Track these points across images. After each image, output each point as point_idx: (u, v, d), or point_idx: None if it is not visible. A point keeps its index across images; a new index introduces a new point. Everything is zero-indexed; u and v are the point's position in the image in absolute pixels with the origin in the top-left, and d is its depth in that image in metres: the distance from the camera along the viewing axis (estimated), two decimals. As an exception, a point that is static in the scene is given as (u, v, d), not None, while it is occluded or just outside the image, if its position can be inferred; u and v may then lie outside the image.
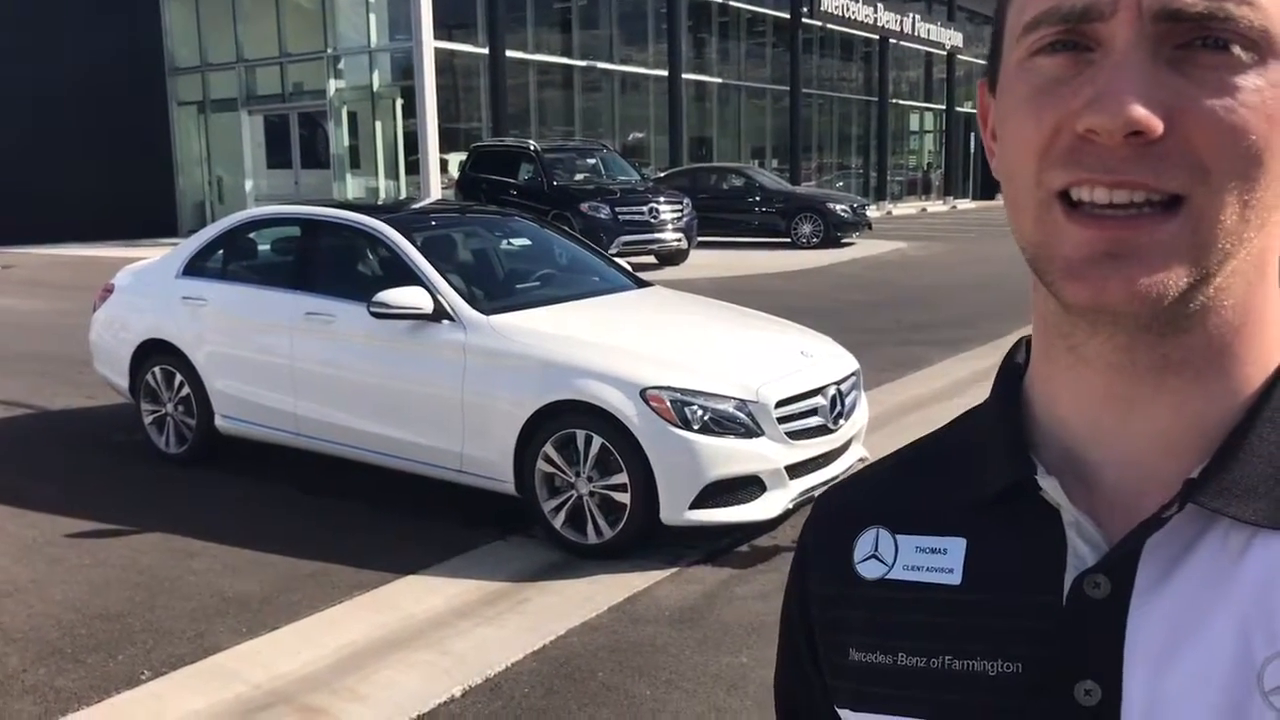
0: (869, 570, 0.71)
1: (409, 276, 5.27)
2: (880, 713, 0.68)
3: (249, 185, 22.95)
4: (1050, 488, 0.63)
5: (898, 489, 0.74)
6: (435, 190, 19.97)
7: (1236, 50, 0.54)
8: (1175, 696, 0.58)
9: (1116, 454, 0.64)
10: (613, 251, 14.64)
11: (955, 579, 0.67)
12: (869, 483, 0.78)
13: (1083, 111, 0.55)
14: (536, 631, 3.97)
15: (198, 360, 5.95)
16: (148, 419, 6.26)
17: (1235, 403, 0.61)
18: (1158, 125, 0.53)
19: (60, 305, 12.40)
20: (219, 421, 5.95)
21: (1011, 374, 0.72)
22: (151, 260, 6.69)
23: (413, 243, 5.44)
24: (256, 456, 6.05)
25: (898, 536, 0.71)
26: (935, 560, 0.69)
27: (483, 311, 5.12)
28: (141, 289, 6.43)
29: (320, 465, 5.73)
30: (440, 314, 5.09)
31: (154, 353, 6.17)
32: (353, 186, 21.86)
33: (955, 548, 0.68)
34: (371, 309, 5.07)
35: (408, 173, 21.55)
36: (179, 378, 6.06)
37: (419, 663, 3.76)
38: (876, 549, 0.72)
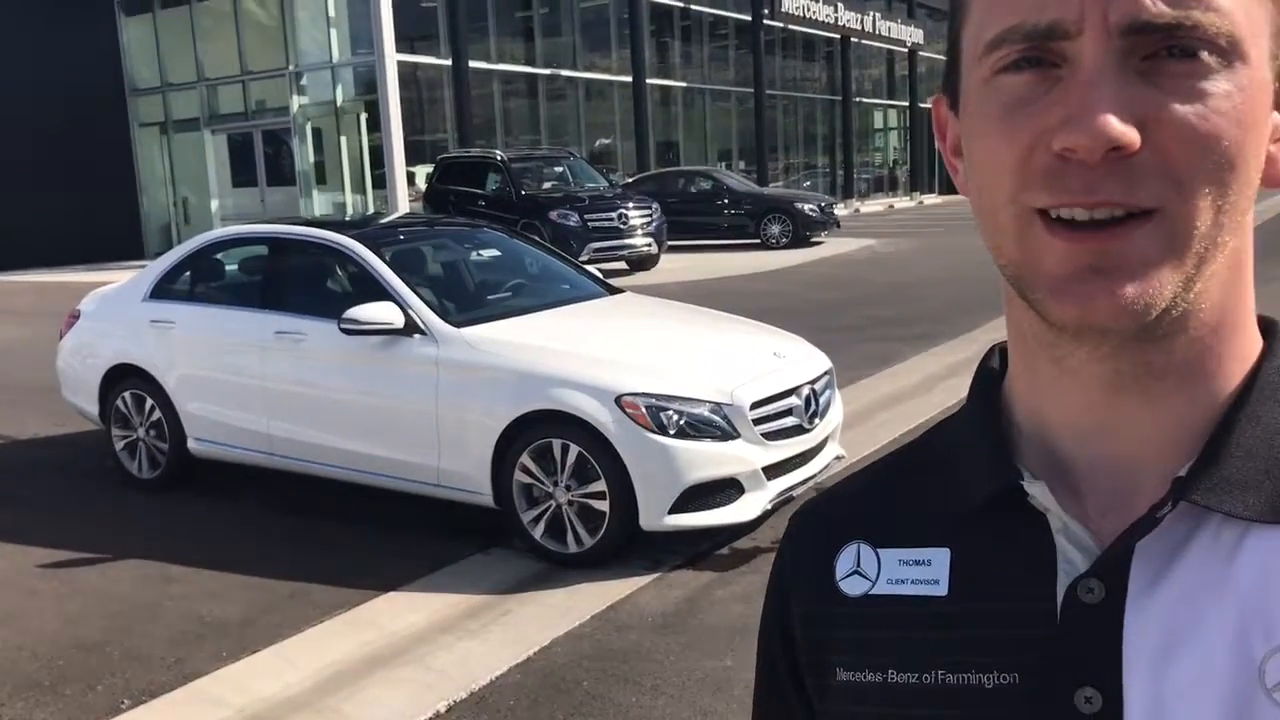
0: (852, 587, 0.70)
1: (379, 292, 5.25)
2: None
3: (215, 205, 22.77)
4: (1038, 492, 0.63)
5: (876, 501, 0.73)
6: (403, 203, 19.90)
7: (1205, 56, 0.54)
8: (1177, 698, 0.57)
9: (1103, 458, 0.63)
10: (583, 259, 14.64)
11: (942, 590, 0.66)
12: (846, 497, 0.77)
13: (1058, 131, 0.54)
14: (520, 643, 3.96)
15: (168, 383, 5.90)
16: (119, 444, 6.20)
17: (1217, 401, 0.61)
18: (1135, 139, 0.53)
19: (24, 332, 12.25)
20: (192, 444, 5.90)
21: (988, 381, 0.71)
22: (118, 284, 6.63)
23: (381, 258, 5.42)
24: (232, 478, 6.00)
25: (879, 550, 0.70)
26: (920, 572, 0.67)
27: (454, 324, 5.10)
28: (108, 314, 6.37)
29: (297, 485, 5.69)
30: (411, 328, 5.07)
31: (123, 377, 6.11)
32: (319, 203, 21.75)
33: (939, 558, 0.67)
34: (342, 326, 5.05)
35: (374, 187, 21.46)
36: (149, 402, 6.00)
37: (402, 680, 3.74)
38: (859, 565, 0.70)
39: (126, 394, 6.10)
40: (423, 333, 5.07)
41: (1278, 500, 0.59)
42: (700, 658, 3.79)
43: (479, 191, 16.71)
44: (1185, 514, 0.59)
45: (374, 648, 4.00)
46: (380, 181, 21.11)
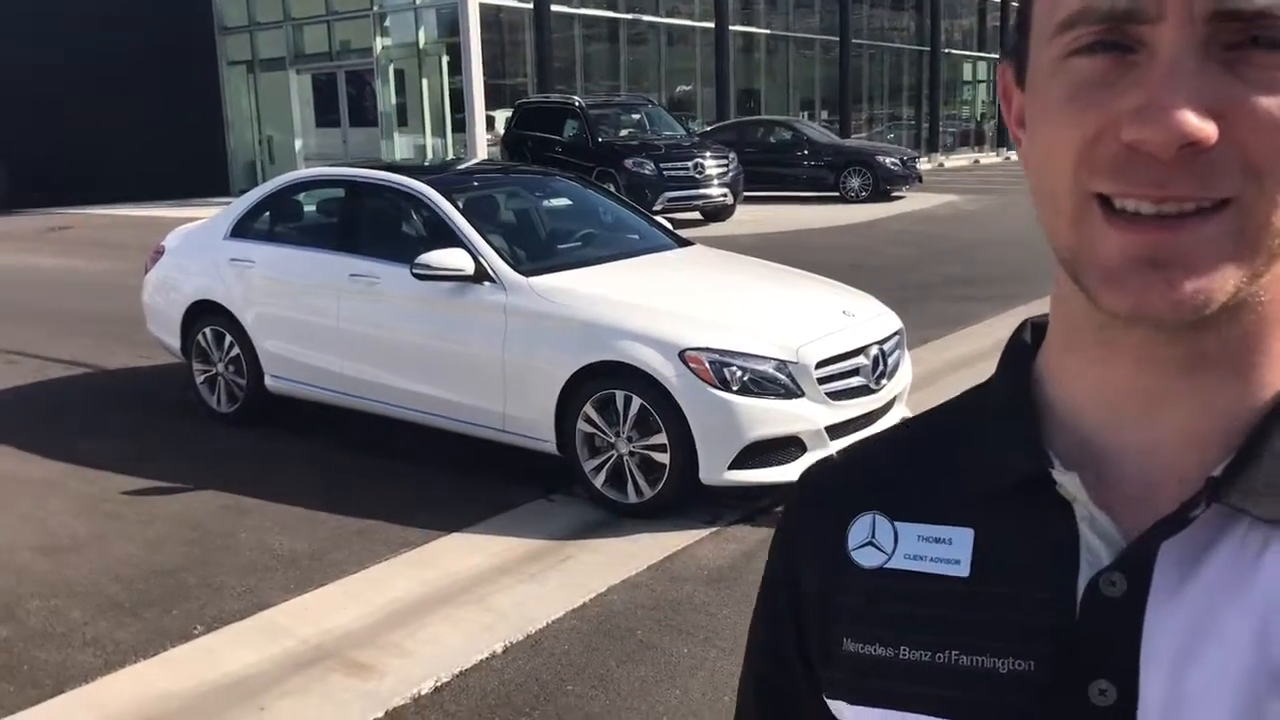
0: (865, 558, 0.69)
1: (450, 238, 5.31)
2: (879, 706, 0.66)
3: (298, 145, 23.14)
4: (1068, 482, 0.62)
5: (895, 471, 0.72)
6: (481, 148, 19.99)
7: None
8: (1193, 698, 0.57)
9: (1136, 445, 0.62)
10: (657, 208, 14.60)
11: (963, 571, 0.65)
12: (862, 463, 0.75)
13: (1130, 121, 0.52)
14: (577, 589, 4.03)
15: (246, 321, 6.06)
16: (200, 378, 6.40)
17: (1262, 400, 0.60)
18: (1212, 135, 0.50)
19: (116, 265, 12.66)
20: (268, 381, 6.06)
21: (1020, 357, 0.69)
22: (200, 222, 6.80)
23: (454, 204, 5.47)
24: (306, 415, 6.16)
25: (897, 524, 0.68)
26: (940, 550, 0.66)
27: (523, 273, 5.14)
28: (191, 251, 6.54)
29: (367, 425, 5.83)
30: (481, 275, 5.12)
31: (204, 314, 6.29)
32: (400, 145, 21.95)
33: (962, 538, 0.66)
34: (414, 271, 5.12)
35: (454, 130, 21.58)
36: (229, 338, 6.18)
37: (462, 619, 3.84)
38: (874, 536, 0.69)
39: (207, 330, 6.28)
40: (492, 280, 5.11)
41: None
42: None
43: (556, 138, 16.69)
44: (1215, 513, 0.58)
45: (435, 586, 4.10)
46: (460, 125, 21.20)
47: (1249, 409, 0.60)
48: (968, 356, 7.64)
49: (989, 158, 34.58)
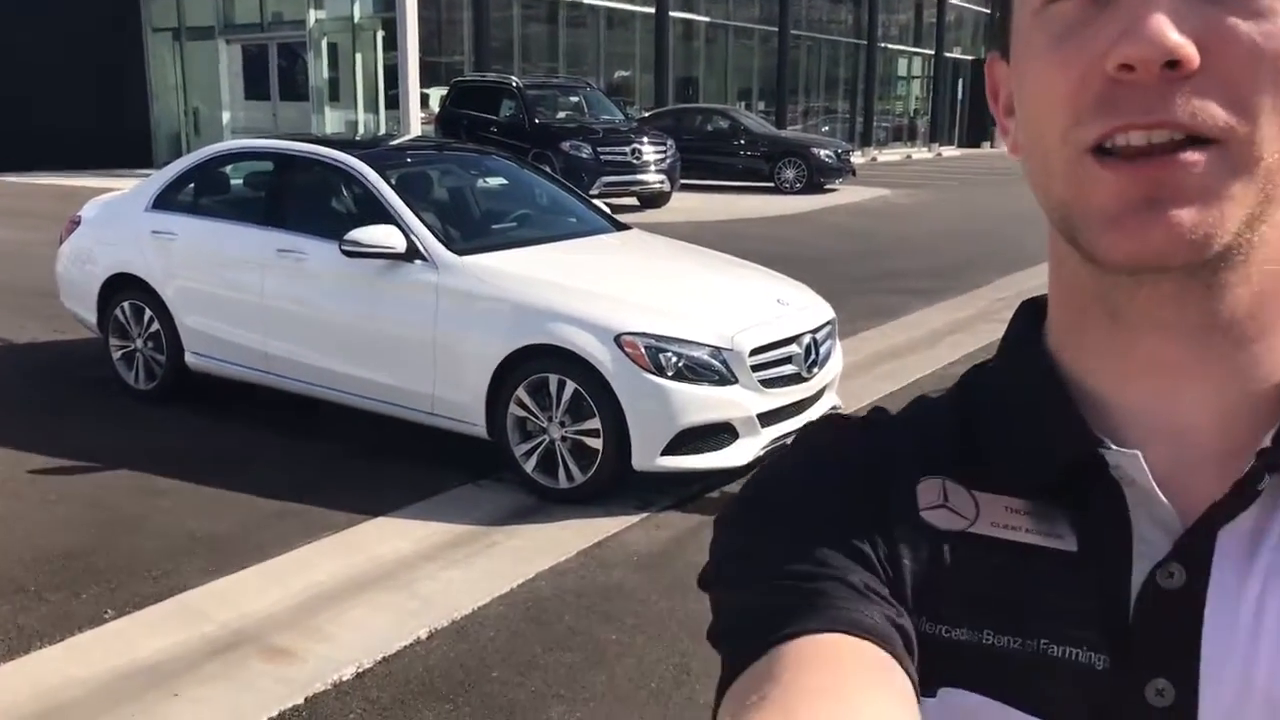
0: (942, 520, 0.60)
1: (382, 214, 5.19)
2: (950, 686, 0.59)
3: (226, 117, 22.55)
4: (1127, 464, 0.57)
5: (942, 445, 0.64)
6: (415, 125, 19.67)
7: None
8: (1255, 694, 0.54)
9: (1165, 427, 0.58)
10: (594, 192, 14.50)
11: (1072, 545, 0.58)
12: (907, 427, 0.66)
13: (1113, 46, 0.50)
14: (504, 575, 3.98)
15: (167, 296, 5.87)
16: (116, 354, 6.18)
17: None
18: (1194, 54, 0.49)
19: (28, 235, 12.19)
20: (189, 358, 5.88)
21: (1027, 339, 0.65)
22: (120, 192, 6.56)
23: (386, 180, 5.34)
24: (228, 395, 5.99)
25: (975, 492, 0.61)
26: (1036, 523, 0.59)
27: (457, 252, 5.05)
28: (110, 222, 6.31)
29: (293, 405, 5.68)
30: (413, 253, 5.01)
31: (122, 287, 6.07)
32: (332, 120, 21.50)
33: (1056, 513, 0.59)
34: (344, 247, 5.00)
35: (388, 107, 21.19)
36: (148, 313, 5.97)
37: (386, 604, 3.76)
38: (945, 498, 0.61)
39: (125, 304, 6.07)
40: (424, 259, 5.01)
41: None
42: (683, 599, 3.79)
43: (492, 118, 16.50)
44: (1266, 492, 0.55)
45: (360, 571, 4.01)
46: (394, 102, 20.82)
47: (1273, 376, 0.57)
48: (898, 347, 7.72)
49: (921, 153, 35.06)
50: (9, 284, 9.33)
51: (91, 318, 6.28)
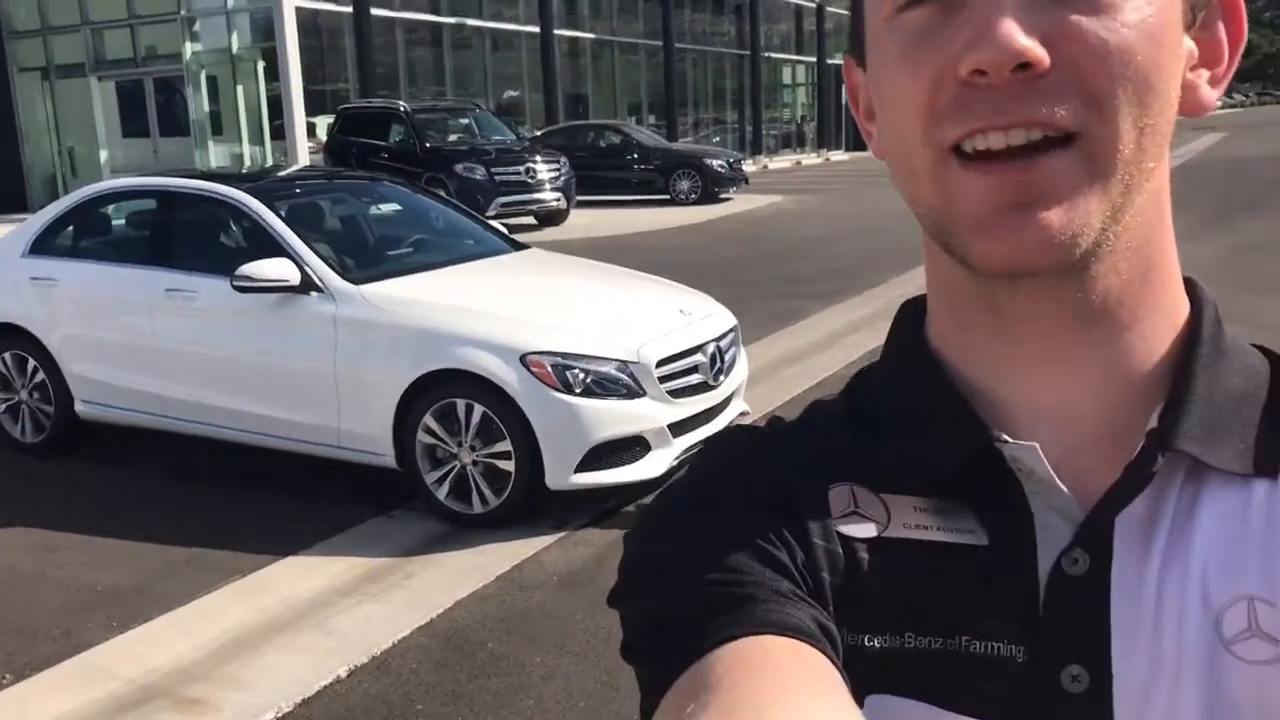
0: (855, 528, 0.59)
1: (273, 248, 5.08)
2: (879, 693, 0.58)
3: (104, 156, 21.80)
4: (1025, 456, 0.57)
5: (841, 453, 0.63)
6: (303, 156, 19.31)
7: None
8: (1162, 669, 0.55)
9: (1055, 417, 0.59)
10: (490, 214, 14.45)
11: (984, 539, 0.58)
12: (807, 435, 0.65)
13: (964, 52, 0.51)
14: (423, 606, 3.92)
15: (51, 344, 5.64)
16: (0, 408, 5.92)
17: (1155, 351, 0.59)
18: (1044, 55, 0.50)
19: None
20: (79, 407, 5.66)
21: (910, 339, 0.65)
22: (-6, 239, 6.29)
23: (275, 212, 5.24)
24: (123, 442, 5.79)
25: (883, 495, 0.60)
26: (947, 521, 0.59)
27: (353, 281, 4.97)
28: (-15, 270, 6.05)
29: (192, 448, 5.51)
30: (308, 285, 4.92)
31: (3, 337, 5.82)
32: (216, 154, 20.98)
33: (963, 509, 0.59)
34: (235, 283, 4.88)
35: (273, 138, 20.75)
36: (32, 363, 5.74)
37: (302, 645, 3.67)
38: (856, 504, 0.60)
39: (6, 355, 5.82)
40: (320, 290, 4.92)
41: (1238, 449, 0.58)
42: (606, 616, 3.79)
43: (382, 144, 16.31)
44: (1160, 471, 0.56)
45: (272, 613, 3.91)
46: (279, 133, 20.41)
47: (1145, 363, 0.59)
48: (800, 350, 7.86)
49: (810, 159, 35.76)
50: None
51: (-30, 371, 6.00)
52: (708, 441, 0.69)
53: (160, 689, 3.39)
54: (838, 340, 8.15)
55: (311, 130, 19.98)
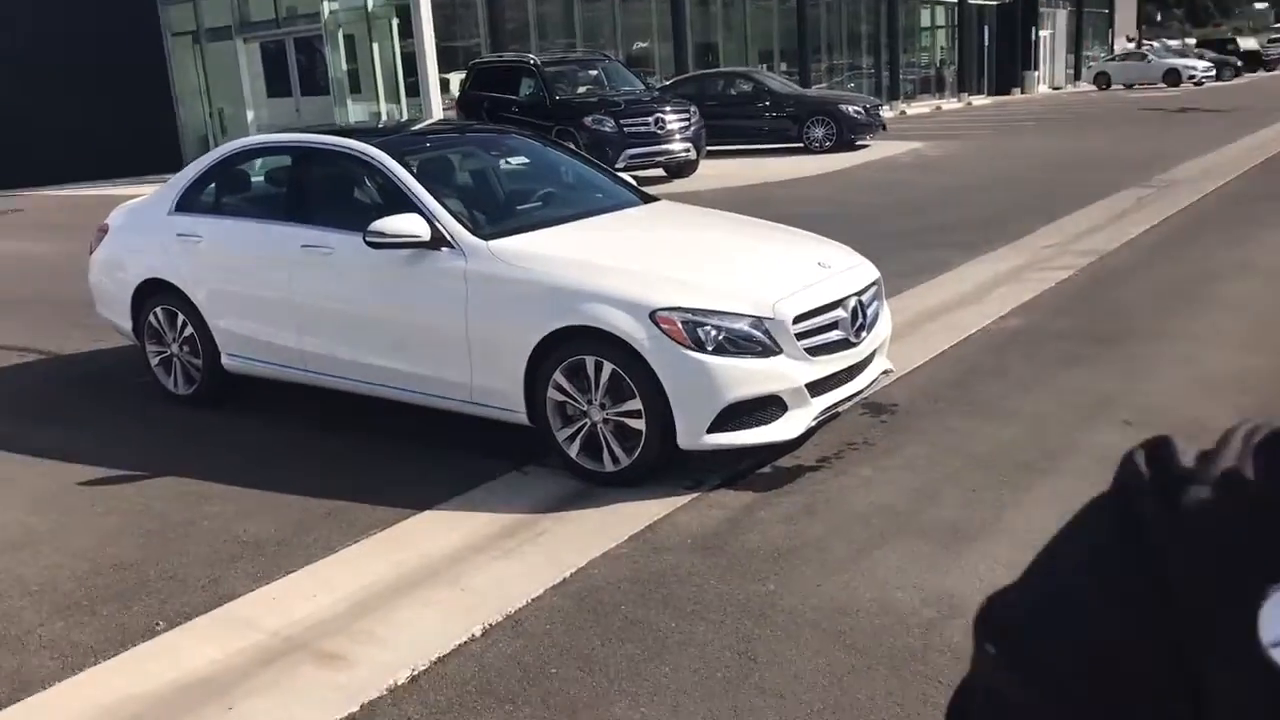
0: None
1: (405, 203, 5.07)
2: None
3: (250, 116, 22.56)
4: None
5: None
6: (437, 111, 19.56)
7: None
8: None
9: None
10: (619, 166, 14.35)
11: None
12: (1220, 521, 0.48)
13: None
14: (556, 565, 3.87)
15: (198, 299, 5.80)
16: (154, 360, 6.15)
17: None
18: None
19: (68, 247, 12.23)
20: (225, 360, 5.82)
21: None
22: (144, 197, 6.50)
23: (407, 167, 5.22)
24: (269, 395, 5.94)
25: None
26: None
27: (482, 236, 4.92)
28: (136, 228, 6.26)
29: (334, 402, 5.61)
30: (439, 241, 4.89)
31: (154, 292, 6.02)
32: (354, 112, 21.44)
33: None
34: (367, 239, 4.89)
35: (408, 95, 21.10)
36: (181, 317, 5.92)
37: (438, 601, 3.67)
38: None
39: (158, 309, 6.02)
40: (450, 245, 4.89)
41: None
42: (741, 581, 3.67)
43: (512, 98, 16.35)
44: None
45: (409, 568, 3.93)
46: (414, 89, 20.75)
47: None
48: (945, 303, 7.52)
49: (950, 104, 34.42)
50: (51, 296, 9.36)
51: (127, 325, 6.24)
52: (1083, 514, 0.52)
53: (300, 641, 3.43)
54: (985, 293, 7.77)
55: (445, 86, 20.22)
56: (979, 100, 35.51)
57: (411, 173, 5.22)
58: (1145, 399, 5.40)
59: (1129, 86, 39.03)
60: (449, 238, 4.91)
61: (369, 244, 4.92)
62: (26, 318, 8.69)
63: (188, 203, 6.03)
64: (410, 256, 4.96)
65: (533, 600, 3.63)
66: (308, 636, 3.47)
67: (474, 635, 3.43)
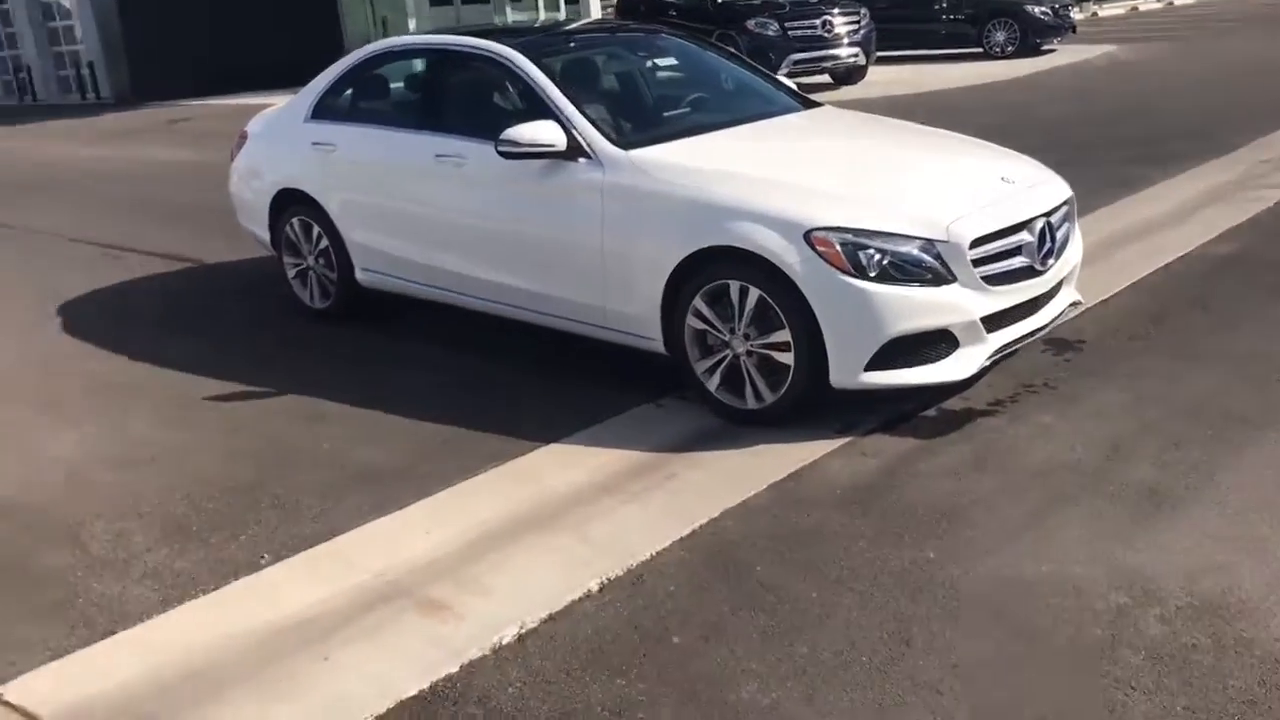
0: None
1: (541, 109, 4.66)
2: None
3: (413, 24, 22.56)
4: None
5: None
6: (595, 16, 19.02)
7: None
8: None
9: None
10: (783, 72, 13.60)
11: None
12: None
13: None
14: (686, 514, 3.48)
15: (332, 210, 5.59)
16: (291, 272, 6.01)
17: None
18: None
19: (218, 156, 12.45)
20: (359, 275, 5.62)
21: None
22: (284, 104, 6.30)
23: (545, 70, 4.80)
24: (405, 310, 5.72)
25: None
26: None
27: (623, 145, 4.47)
28: (273, 135, 6.08)
29: (469, 322, 5.33)
30: (575, 150, 4.48)
31: (290, 203, 5.85)
32: (514, 19, 21.16)
33: None
34: (499, 148, 4.51)
35: (568, 2, 20.64)
36: (316, 229, 5.73)
37: (554, 549, 3.34)
38: None
39: (294, 220, 5.85)
40: (588, 156, 4.47)
41: None
42: (896, 546, 3.20)
43: (671, 1, 15.65)
44: None
45: (528, 506, 3.62)
46: (574, -6, 20.28)
47: None
48: (1142, 225, 6.67)
49: (1148, 4, 31.57)
50: (199, 205, 9.46)
51: (265, 235, 6.12)
52: None
53: (405, 586, 3.17)
54: (1190, 214, 6.85)
55: (605, -9, 19.66)
56: None
57: (549, 76, 4.79)
58: (1392, 344, 4.57)
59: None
60: (586, 147, 4.48)
61: (500, 154, 4.54)
62: (176, 226, 8.80)
63: (323, 110, 5.79)
64: (545, 167, 4.57)
65: (658, 553, 3.26)
66: (414, 580, 3.20)
67: (590, 591, 3.09)
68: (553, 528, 3.47)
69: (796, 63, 14.17)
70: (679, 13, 15.19)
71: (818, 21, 14.48)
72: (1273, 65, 14.95)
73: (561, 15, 20.71)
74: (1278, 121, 9.88)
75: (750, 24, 14.41)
